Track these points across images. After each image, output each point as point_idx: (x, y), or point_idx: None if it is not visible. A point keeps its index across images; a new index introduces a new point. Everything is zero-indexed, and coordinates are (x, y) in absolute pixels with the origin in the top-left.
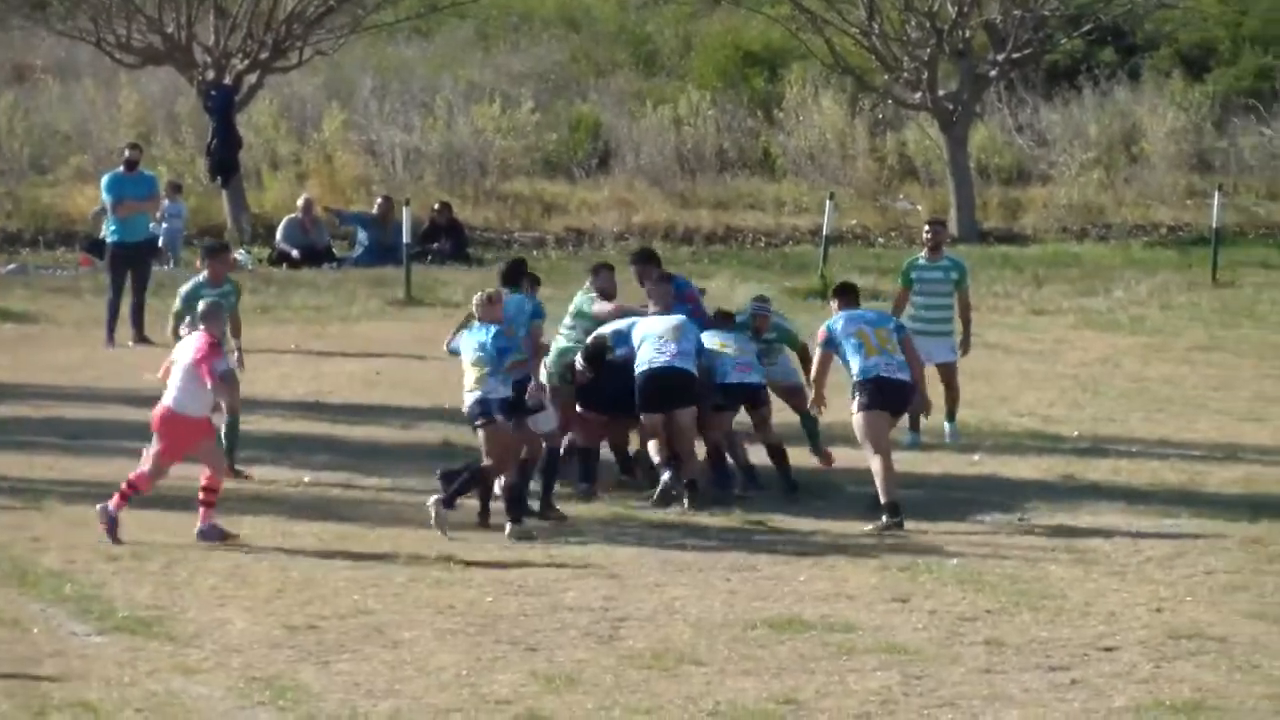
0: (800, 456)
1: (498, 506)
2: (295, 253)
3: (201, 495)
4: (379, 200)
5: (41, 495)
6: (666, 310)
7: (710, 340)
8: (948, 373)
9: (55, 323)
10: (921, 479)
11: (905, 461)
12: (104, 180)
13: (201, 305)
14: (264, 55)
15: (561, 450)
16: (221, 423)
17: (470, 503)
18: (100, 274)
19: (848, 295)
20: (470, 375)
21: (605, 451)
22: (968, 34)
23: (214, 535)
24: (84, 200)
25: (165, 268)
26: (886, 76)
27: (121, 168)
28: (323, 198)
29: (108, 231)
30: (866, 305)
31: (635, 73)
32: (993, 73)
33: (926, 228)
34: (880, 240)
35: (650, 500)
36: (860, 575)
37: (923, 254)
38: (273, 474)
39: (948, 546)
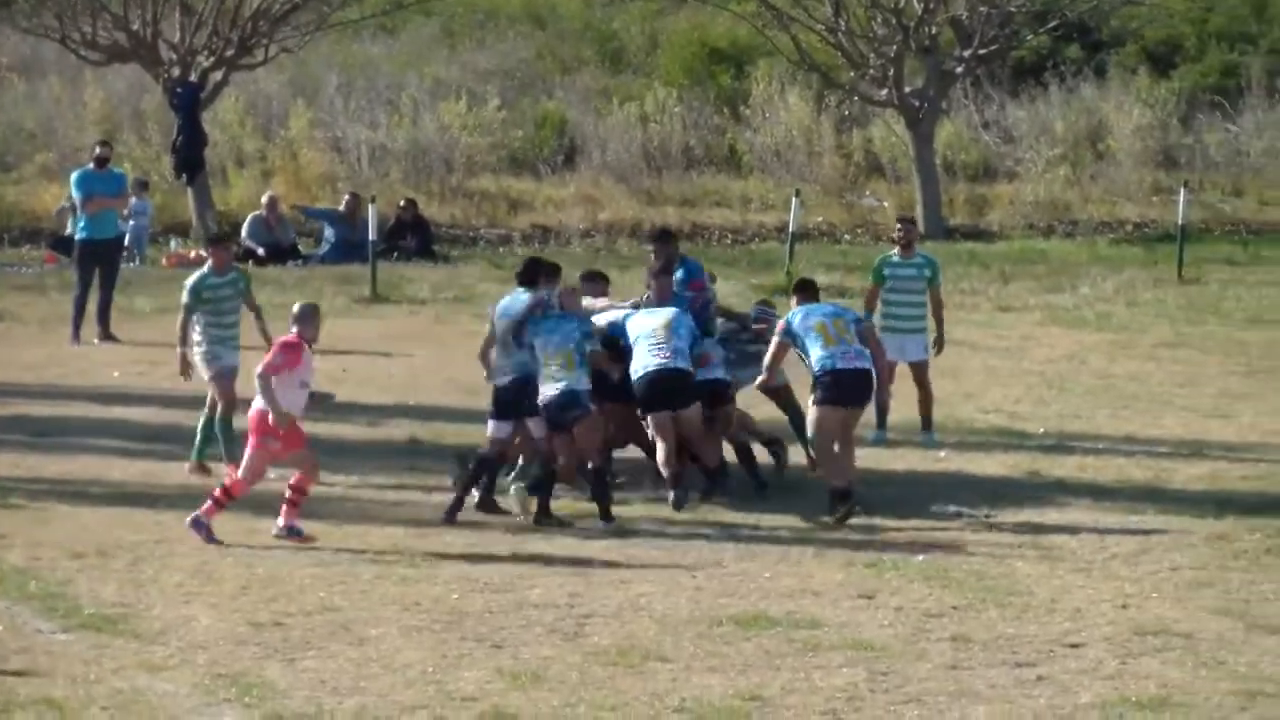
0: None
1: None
2: (261, 250)
3: (288, 494)
4: (346, 197)
5: (7, 493)
6: (664, 303)
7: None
8: (920, 372)
9: (20, 320)
10: (888, 476)
11: (871, 458)
12: (74, 177)
13: (296, 307)
14: (229, 52)
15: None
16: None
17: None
18: (65, 271)
19: (807, 291)
20: (552, 366)
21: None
22: (934, 30)
23: (293, 535)
24: (49, 198)
25: (130, 265)
26: (853, 73)
27: (91, 164)
28: (288, 195)
29: (77, 228)
30: (833, 302)
31: (601, 70)
32: (959, 69)
33: (898, 225)
34: (846, 237)
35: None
36: (826, 572)
37: (895, 251)
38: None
39: (914, 543)
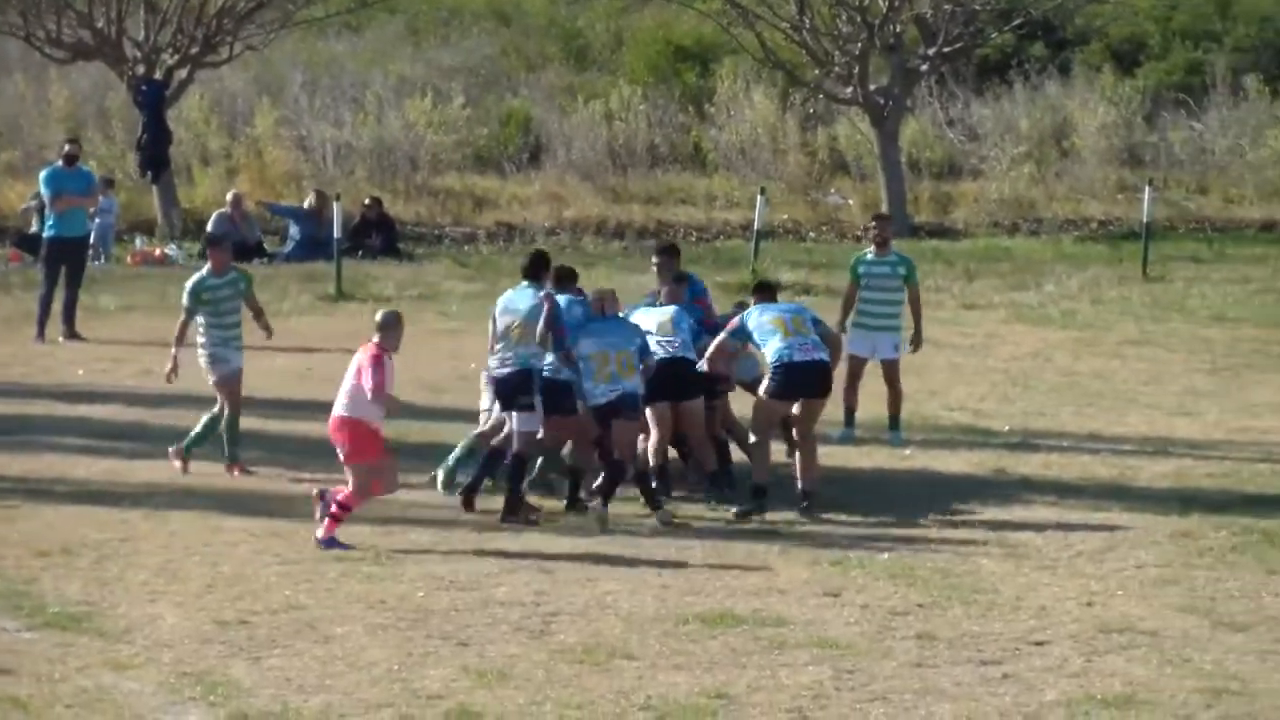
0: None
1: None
2: None
3: (333, 508)
4: (311, 194)
5: None
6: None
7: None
8: (890, 370)
9: None
10: (853, 473)
11: (836, 455)
12: (42, 175)
13: (379, 316)
14: (194, 50)
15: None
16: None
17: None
18: (30, 269)
19: (764, 292)
20: (610, 367)
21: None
22: (899, 28)
23: (332, 546)
24: (14, 196)
25: (96, 263)
26: (818, 71)
27: (60, 162)
28: (253, 193)
29: (45, 226)
30: (798, 299)
31: (566, 67)
32: (924, 67)
33: (873, 223)
34: (811, 235)
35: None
36: (792, 570)
37: (869, 250)
38: (204, 468)
39: (879, 541)
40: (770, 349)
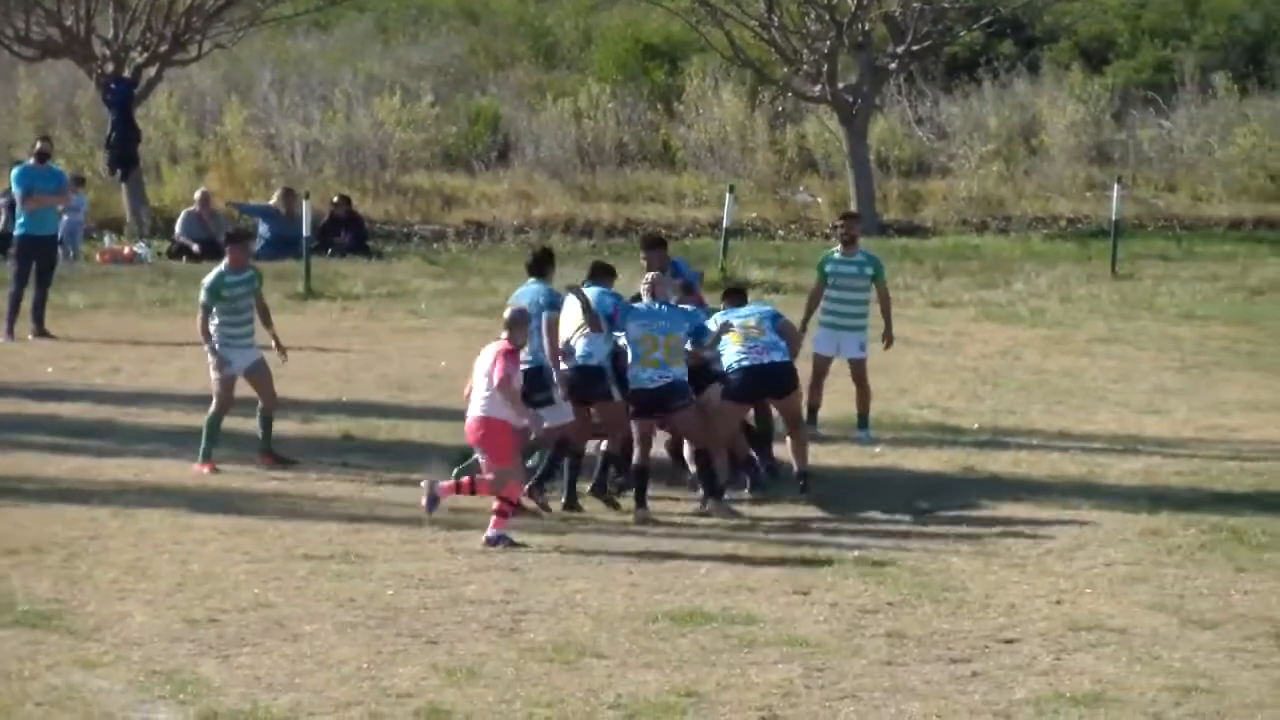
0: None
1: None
2: (195, 246)
3: (496, 504)
4: (280, 191)
5: None
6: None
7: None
8: (858, 369)
9: None
10: (823, 472)
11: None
12: (13, 173)
13: (508, 314)
14: (163, 48)
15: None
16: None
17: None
18: (1, 267)
19: (734, 296)
20: (658, 353)
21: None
22: (867, 26)
23: (501, 542)
24: None
25: (65, 261)
26: (786, 69)
27: (31, 160)
28: (222, 191)
29: (16, 224)
30: (767, 298)
31: (535, 65)
32: (892, 65)
33: (840, 221)
34: (780, 233)
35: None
36: (761, 568)
37: (837, 248)
38: (173, 467)
39: (849, 539)
40: (725, 359)
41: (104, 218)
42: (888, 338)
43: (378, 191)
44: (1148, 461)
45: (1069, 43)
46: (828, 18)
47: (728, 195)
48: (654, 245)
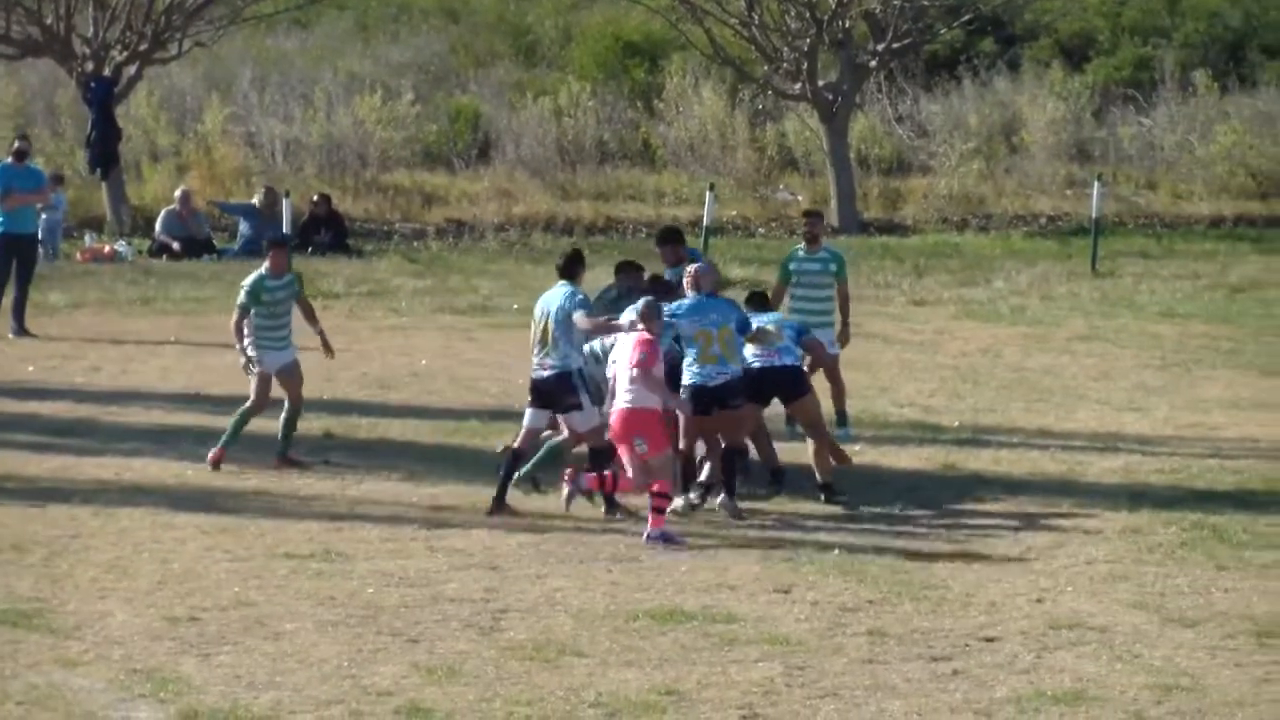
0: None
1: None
2: (175, 244)
3: (652, 501)
4: (261, 190)
5: None
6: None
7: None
8: (830, 367)
9: None
10: (802, 470)
11: (785, 452)
12: None
13: (642, 305)
14: (143, 47)
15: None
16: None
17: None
18: None
19: (755, 302)
20: (714, 348)
21: None
22: (847, 24)
23: (663, 540)
24: None
25: (44, 260)
26: (766, 67)
27: (10, 159)
28: (203, 190)
29: None
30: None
31: (515, 64)
32: (873, 63)
33: (804, 219)
34: (761, 231)
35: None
36: (742, 566)
37: (801, 246)
38: (154, 465)
39: (830, 537)
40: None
41: (85, 216)
42: (844, 335)
43: (358, 190)
44: (1128, 459)
45: (1049, 40)
46: (808, 15)
47: (708, 193)
48: (664, 241)
